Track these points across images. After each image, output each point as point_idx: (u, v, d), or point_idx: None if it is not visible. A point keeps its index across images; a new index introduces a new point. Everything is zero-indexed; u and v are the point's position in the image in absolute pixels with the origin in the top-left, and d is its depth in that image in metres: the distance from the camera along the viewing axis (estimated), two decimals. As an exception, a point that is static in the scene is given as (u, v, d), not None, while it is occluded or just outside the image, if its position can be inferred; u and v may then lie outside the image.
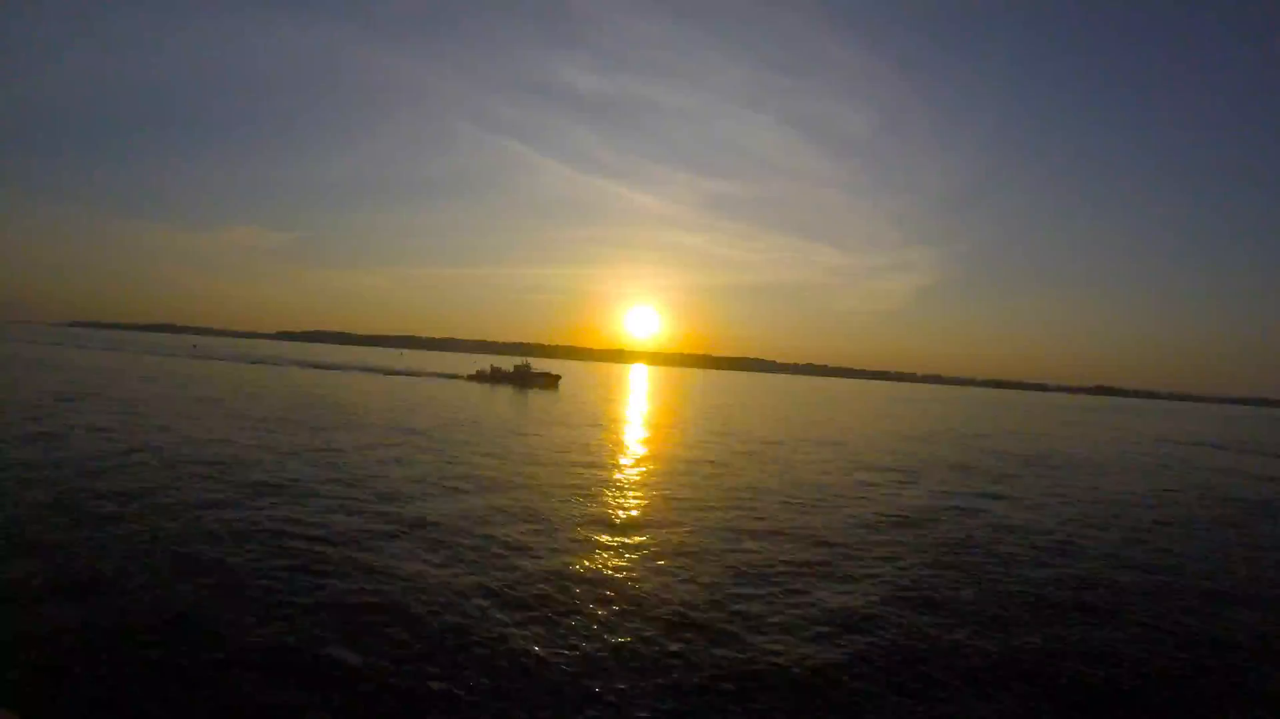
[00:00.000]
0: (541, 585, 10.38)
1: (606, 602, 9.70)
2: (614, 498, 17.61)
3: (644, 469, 23.08)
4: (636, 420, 42.47)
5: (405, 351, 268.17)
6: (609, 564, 11.78)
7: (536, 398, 57.89)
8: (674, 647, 8.39)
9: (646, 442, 31.33)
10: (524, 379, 78.19)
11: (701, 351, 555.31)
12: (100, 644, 6.30)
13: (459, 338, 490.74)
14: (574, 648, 8.15)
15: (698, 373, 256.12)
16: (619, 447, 28.69)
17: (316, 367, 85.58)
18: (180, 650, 6.46)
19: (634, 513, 16.11)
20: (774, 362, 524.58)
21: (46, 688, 5.45)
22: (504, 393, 62.30)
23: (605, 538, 13.56)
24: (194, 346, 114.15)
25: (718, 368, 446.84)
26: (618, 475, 21.32)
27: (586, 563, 11.67)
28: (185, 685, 5.82)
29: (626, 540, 13.39)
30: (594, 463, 23.45)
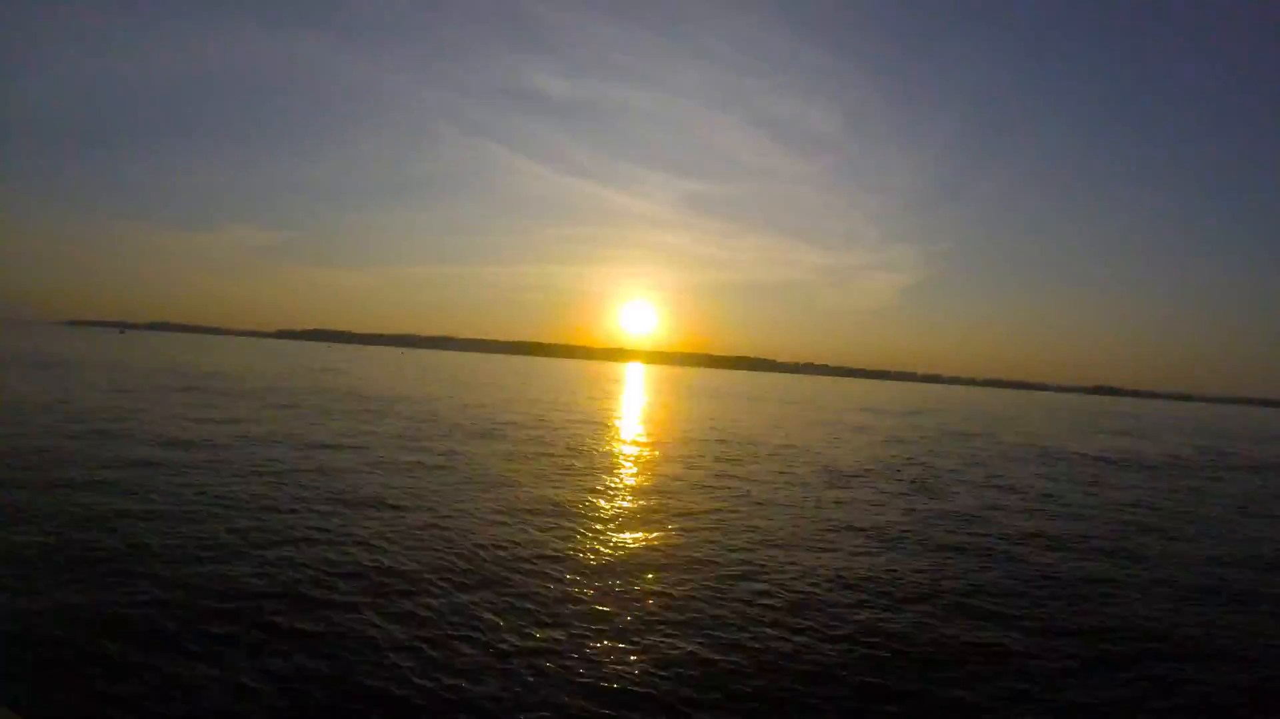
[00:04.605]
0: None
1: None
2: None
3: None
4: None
5: (406, 351, 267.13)
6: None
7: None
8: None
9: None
10: None
11: (701, 351, 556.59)
12: (104, 643, 5.97)
13: (455, 336, 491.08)
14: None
15: (704, 372, 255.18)
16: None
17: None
18: (187, 649, 6.00)
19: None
20: (774, 361, 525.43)
21: (46, 688, 5.23)
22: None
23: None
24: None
25: (717, 367, 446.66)
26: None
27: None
28: (191, 685, 5.45)
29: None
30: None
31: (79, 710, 5.02)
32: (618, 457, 18.86)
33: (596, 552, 9.55)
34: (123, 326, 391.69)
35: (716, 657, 6.43)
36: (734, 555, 9.69)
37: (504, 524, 10.65)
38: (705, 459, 19.18)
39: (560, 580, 8.23)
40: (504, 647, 6.38)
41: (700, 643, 6.70)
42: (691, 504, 12.94)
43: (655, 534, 10.72)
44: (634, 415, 33.91)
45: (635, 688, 5.79)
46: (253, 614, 6.76)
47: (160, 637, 6.19)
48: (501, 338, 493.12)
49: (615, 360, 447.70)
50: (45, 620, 6.35)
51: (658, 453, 19.99)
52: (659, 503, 12.98)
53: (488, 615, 7.07)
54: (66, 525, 9.08)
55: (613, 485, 14.58)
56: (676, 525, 11.26)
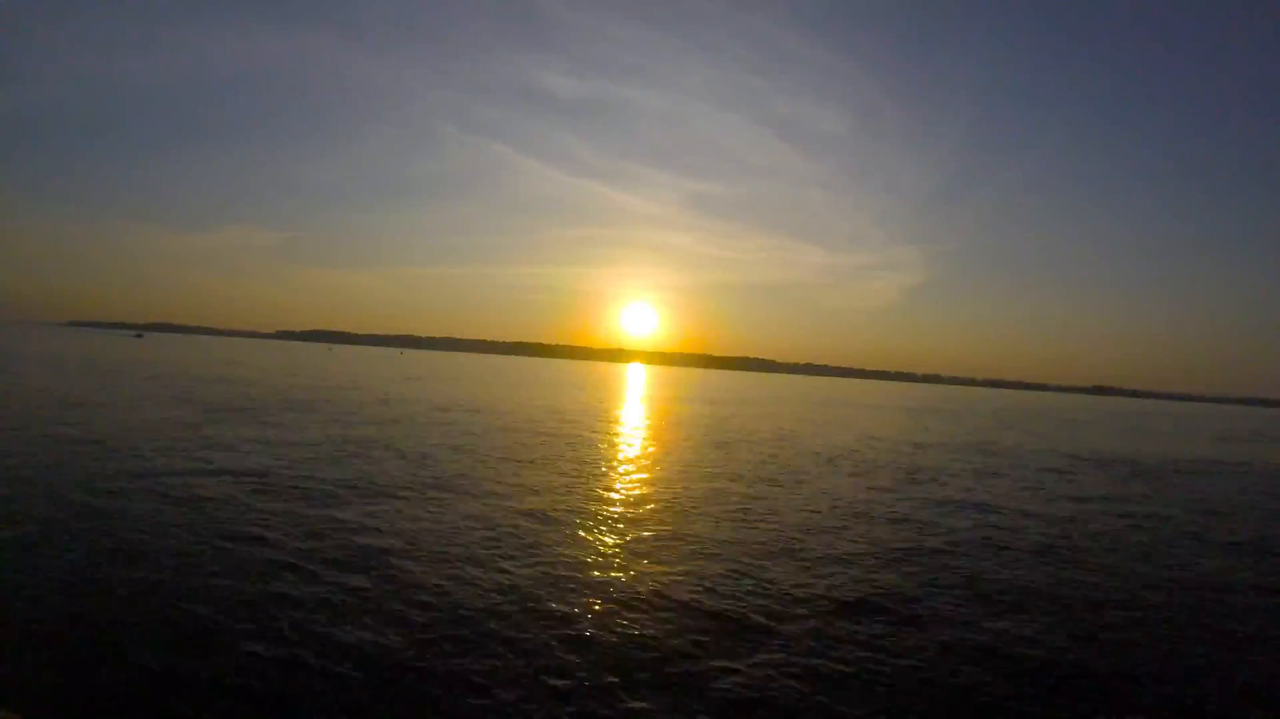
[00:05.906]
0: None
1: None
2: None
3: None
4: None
5: (405, 351, 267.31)
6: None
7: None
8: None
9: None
10: None
11: (701, 351, 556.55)
12: (104, 643, 5.98)
13: (458, 337, 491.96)
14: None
15: (701, 372, 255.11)
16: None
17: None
18: (188, 648, 6.01)
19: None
20: (774, 361, 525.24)
21: (46, 688, 5.26)
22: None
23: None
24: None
25: (718, 367, 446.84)
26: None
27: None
28: (193, 684, 5.47)
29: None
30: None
31: (79, 710, 5.05)
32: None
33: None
34: (138, 330, 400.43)
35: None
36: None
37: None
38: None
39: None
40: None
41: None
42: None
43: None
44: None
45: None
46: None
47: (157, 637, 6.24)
48: (504, 338, 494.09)
49: (616, 361, 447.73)
50: (45, 618, 6.42)
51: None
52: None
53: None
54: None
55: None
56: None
